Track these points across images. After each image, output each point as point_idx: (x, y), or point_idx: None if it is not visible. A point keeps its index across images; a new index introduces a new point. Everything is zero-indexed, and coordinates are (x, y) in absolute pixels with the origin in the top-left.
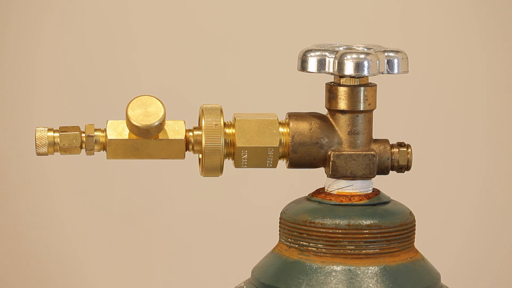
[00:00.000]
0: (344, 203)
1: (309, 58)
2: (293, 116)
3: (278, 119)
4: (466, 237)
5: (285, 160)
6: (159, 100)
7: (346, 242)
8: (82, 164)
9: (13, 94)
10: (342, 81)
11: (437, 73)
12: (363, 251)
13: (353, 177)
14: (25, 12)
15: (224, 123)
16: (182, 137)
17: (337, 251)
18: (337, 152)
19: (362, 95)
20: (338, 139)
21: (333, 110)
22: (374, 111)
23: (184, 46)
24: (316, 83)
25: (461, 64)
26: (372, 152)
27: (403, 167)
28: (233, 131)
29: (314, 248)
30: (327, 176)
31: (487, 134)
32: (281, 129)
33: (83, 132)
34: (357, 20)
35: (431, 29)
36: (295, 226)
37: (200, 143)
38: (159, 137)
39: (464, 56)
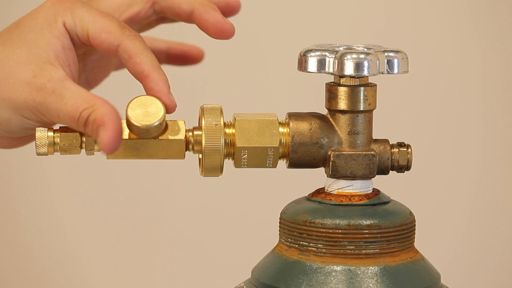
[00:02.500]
0: (344, 203)
1: (309, 58)
2: (293, 116)
3: (278, 119)
4: (466, 237)
5: (285, 160)
6: (159, 100)
7: (346, 242)
8: (82, 164)
9: None
10: (342, 81)
11: (437, 73)
12: (363, 251)
13: (353, 177)
14: (24, 12)
15: (224, 123)
16: (182, 137)
17: (337, 251)
18: (337, 152)
19: (362, 95)
20: (338, 139)
21: (333, 110)
22: (374, 111)
23: None
24: (316, 83)
25: (462, 65)
26: (372, 152)
27: (403, 167)
28: (233, 131)
29: (314, 248)
30: (327, 176)
31: (486, 134)
32: (281, 129)
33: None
34: (357, 20)
35: (432, 29)
36: (295, 226)
37: (200, 143)
38: (159, 137)
39: (465, 56)
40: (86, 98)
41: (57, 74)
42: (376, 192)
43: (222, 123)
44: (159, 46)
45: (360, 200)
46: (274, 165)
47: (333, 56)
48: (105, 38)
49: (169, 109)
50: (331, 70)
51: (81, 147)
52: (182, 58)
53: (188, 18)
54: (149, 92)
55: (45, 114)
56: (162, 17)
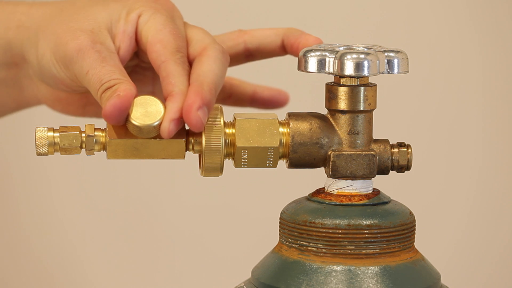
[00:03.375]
0: (344, 203)
1: (309, 58)
2: (293, 116)
3: (278, 119)
4: (466, 237)
5: (285, 160)
6: (159, 100)
7: (346, 242)
8: (83, 164)
9: None
10: (342, 81)
11: (437, 73)
12: (363, 251)
13: (353, 177)
14: None
15: (224, 123)
16: (182, 137)
17: (337, 251)
18: (337, 152)
19: (362, 95)
20: (338, 139)
21: (333, 110)
22: (374, 111)
23: None
24: (316, 83)
25: (461, 64)
26: (372, 152)
27: (403, 167)
28: (233, 131)
29: (314, 248)
30: (327, 176)
31: (486, 134)
32: (281, 129)
33: (83, 132)
34: (356, 20)
35: (433, 30)
36: (295, 226)
37: (200, 143)
38: (159, 137)
39: (464, 56)
40: (123, 73)
41: (109, 43)
42: (376, 192)
43: (222, 123)
44: (246, 89)
45: (360, 200)
46: (274, 165)
47: (333, 56)
48: (157, 50)
49: (162, 134)
50: (331, 70)
51: (81, 147)
52: (268, 102)
53: (281, 50)
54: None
55: (73, 65)
56: (251, 55)
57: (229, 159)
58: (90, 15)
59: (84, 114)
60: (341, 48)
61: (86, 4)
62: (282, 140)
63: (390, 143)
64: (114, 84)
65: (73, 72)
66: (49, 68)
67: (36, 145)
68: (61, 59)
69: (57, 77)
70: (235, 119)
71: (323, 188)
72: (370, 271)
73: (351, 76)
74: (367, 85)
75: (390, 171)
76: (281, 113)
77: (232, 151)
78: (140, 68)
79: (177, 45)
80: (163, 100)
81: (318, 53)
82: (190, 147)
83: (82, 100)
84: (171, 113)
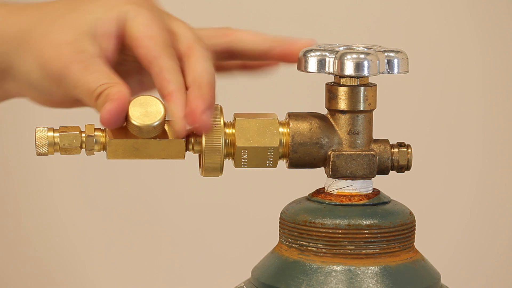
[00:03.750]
0: (344, 203)
1: (309, 58)
2: (293, 116)
3: (278, 119)
4: (466, 237)
5: (285, 160)
6: (159, 100)
7: (346, 242)
8: (83, 163)
9: None
10: (342, 81)
11: (437, 73)
12: (363, 251)
13: (353, 177)
14: None
15: (224, 123)
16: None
17: (337, 251)
18: (337, 152)
19: (362, 95)
20: (338, 139)
21: (333, 110)
22: (374, 111)
23: None
24: (316, 83)
25: (461, 64)
26: (372, 152)
27: (403, 167)
28: (233, 131)
29: (314, 248)
30: (327, 176)
31: (486, 134)
32: (281, 129)
33: (83, 132)
34: (357, 20)
35: (433, 30)
36: (295, 226)
37: (200, 143)
38: (159, 137)
39: (464, 55)
40: (110, 76)
41: (91, 49)
42: (376, 192)
43: (222, 123)
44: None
45: (360, 200)
46: (274, 165)
47: (333, 56)
48: (147, 45)
49: (178, 134)
50: (331, 70)
51: (81, 147)
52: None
53: (263, 56)
54: (168, 111)
55: (62, 81)
56: (232, 56)
57: (229, 159)
58: (69, 23)
59: (75, 106)
60: (341, 48)
61: (65, 12)
62: (282, 140)
63: (390, 143)
64: (104, 89)
65: (63, 88)
66: (40, 84)
67: (36, 145)
68: (50, 77)
69: (49, 92)
70: (235, 119)
71: (323, 188)
72: (370, 271)
73: (351, 76)
74: (367, 85)
75: (390, 171)
76: (281, 113)
77: (232, 151)
78: (125, 60)
79: (165, 39)
80: (158, 95)
81: (318, 53)
82: (190, 147)
83: (72, 99)
84: (178, 112)
